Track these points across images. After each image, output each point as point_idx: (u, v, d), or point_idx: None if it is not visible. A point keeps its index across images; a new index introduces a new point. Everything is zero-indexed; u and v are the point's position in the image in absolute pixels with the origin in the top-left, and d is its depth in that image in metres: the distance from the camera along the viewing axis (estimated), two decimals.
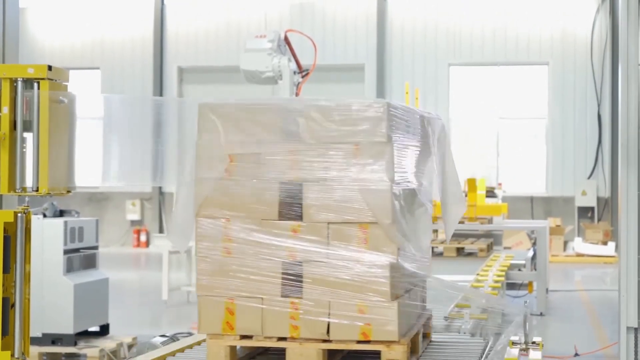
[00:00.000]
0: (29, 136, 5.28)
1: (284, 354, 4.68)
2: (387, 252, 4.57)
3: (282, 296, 4.67)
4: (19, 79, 5.30)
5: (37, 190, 5.23)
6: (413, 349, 4.96)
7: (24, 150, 5.30)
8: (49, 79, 5.26)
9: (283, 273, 4.67)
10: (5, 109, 5.30)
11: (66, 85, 5.44)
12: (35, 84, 5.27)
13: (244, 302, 4.70)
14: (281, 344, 4.69)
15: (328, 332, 4.60)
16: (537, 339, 5.25)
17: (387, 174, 4.56)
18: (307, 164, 4.69)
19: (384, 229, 4.55)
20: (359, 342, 4.59)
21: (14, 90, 5.30)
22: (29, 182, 5.28)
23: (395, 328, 4.54)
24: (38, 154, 5.22)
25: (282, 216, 4.70)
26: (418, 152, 5.18)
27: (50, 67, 5.29)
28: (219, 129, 4.82)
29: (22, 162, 5.30)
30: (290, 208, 4.70)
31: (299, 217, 4.67)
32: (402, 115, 4.87)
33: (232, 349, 4.77)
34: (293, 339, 4.66)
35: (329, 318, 4.58)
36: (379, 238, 4.58)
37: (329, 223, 4.62)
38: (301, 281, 4.64)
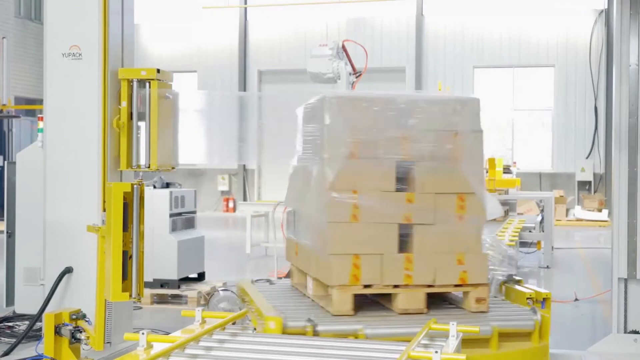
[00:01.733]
0: (142, 124, 5.35)
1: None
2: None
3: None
4: (134, 80, 5.36)
5: (148, 167, 5.30)
6: None
7: (139, 135, 5.37)
8: (157, 79, 5.31)
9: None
10: (124, 103, 5.37)
11: (171, 84, 5.49)
12: (147, 84, 5.32)
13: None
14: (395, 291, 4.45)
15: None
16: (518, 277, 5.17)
17: None
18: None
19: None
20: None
21: (130, 88, 5.37)
22: (142, 161, 5.34)
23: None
24: (149, 139, 5.28)
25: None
26: None
27: (158, 70, 5.33)
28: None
29: (137, 145, 5.37)
30: None
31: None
32: None
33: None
34: (406, 286, 4.44)
35: None
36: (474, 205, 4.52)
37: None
38: None
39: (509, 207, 13.29)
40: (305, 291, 4.92)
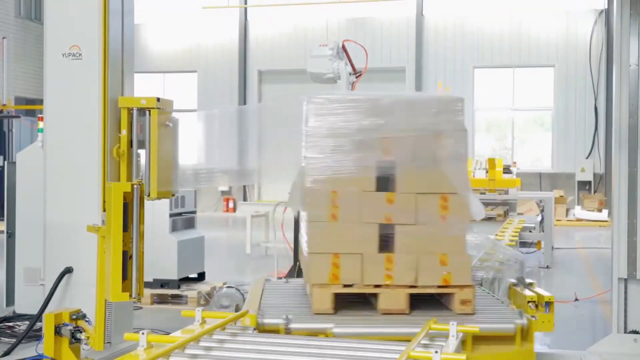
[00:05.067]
0: (142, 152, 5.37)
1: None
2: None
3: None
4: (134, 108, 5.38)
5: (148, 195, 5.30)
6: None
7: (139, 163, 5.39)
8: (157, 108, 5.32)
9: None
10: (124, 131, 5.39)
11: (171, 112, 5.49)
12: (147, 112, 5.33)
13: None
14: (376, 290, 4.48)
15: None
16: (530, 280, 5.18)
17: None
18: None
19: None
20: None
21: (130, 116, 5.39)
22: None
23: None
24: (149, 166, 5.30)
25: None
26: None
27: (158, 99, 5.35)
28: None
29: (137, 172, 5.39)
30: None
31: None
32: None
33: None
34: (387, 286, 4.47)
35: None
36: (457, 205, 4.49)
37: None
38: None
39: (508, 207, 13.29)
40: None
